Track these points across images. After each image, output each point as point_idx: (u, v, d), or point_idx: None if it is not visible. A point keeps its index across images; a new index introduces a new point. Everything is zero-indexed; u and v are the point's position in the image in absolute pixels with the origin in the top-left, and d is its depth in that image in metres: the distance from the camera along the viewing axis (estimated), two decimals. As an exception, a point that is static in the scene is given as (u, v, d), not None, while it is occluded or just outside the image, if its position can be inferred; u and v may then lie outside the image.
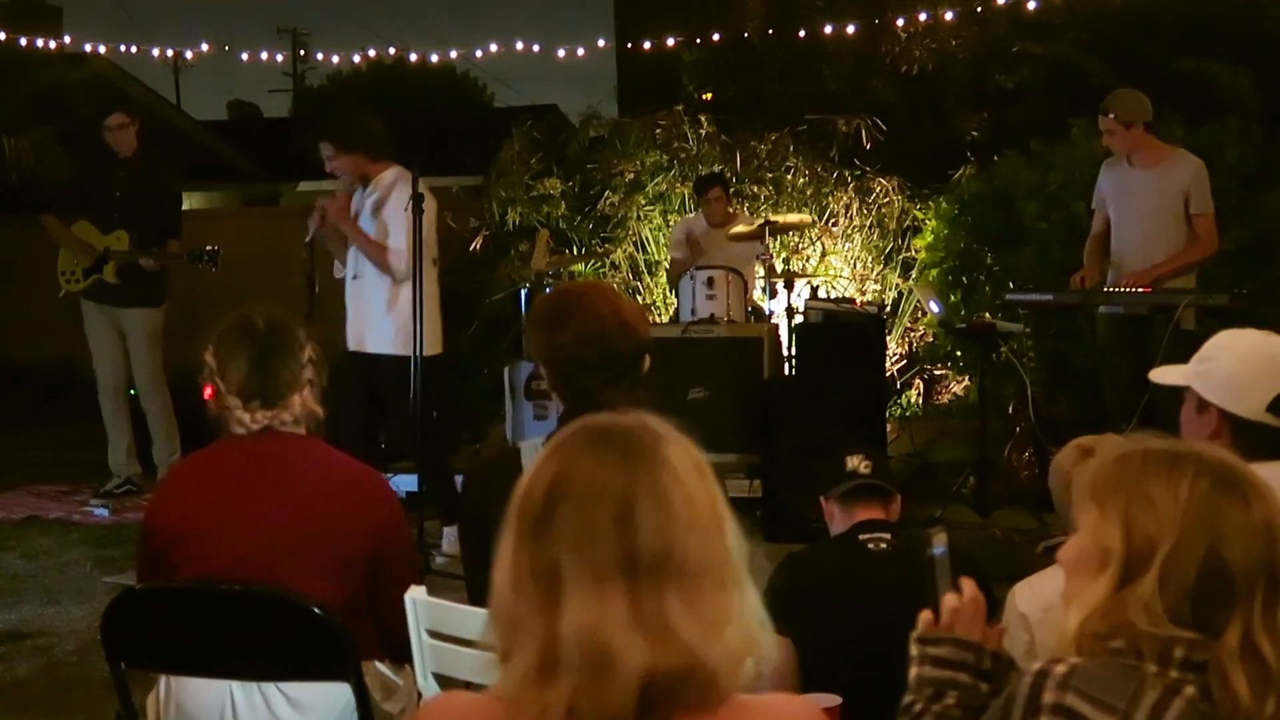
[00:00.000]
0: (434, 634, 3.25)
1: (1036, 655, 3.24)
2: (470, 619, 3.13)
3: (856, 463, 4.23)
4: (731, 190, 10.96)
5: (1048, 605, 3.25)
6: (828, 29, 13.28)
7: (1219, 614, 2.17)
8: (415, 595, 3.27)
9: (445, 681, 3.27)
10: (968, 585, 2.56)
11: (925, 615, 2.58)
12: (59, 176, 11.36)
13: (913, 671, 2.56)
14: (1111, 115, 7.81)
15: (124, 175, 9.13)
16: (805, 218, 11.24)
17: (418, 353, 7.09)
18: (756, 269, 10.05)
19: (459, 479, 7.21)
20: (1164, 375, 3.58)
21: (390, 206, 7.46)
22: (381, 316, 7.58)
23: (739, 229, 10.08)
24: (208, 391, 3.57)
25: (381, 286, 7.58)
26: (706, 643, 1.90)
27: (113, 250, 9.05)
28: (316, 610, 3.24)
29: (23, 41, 15.27)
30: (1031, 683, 2.22)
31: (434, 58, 17.57)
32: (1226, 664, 2.15)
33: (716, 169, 11.29)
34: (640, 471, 1.94)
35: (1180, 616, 2.17)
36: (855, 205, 11.72)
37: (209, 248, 8.96)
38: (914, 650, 2.57)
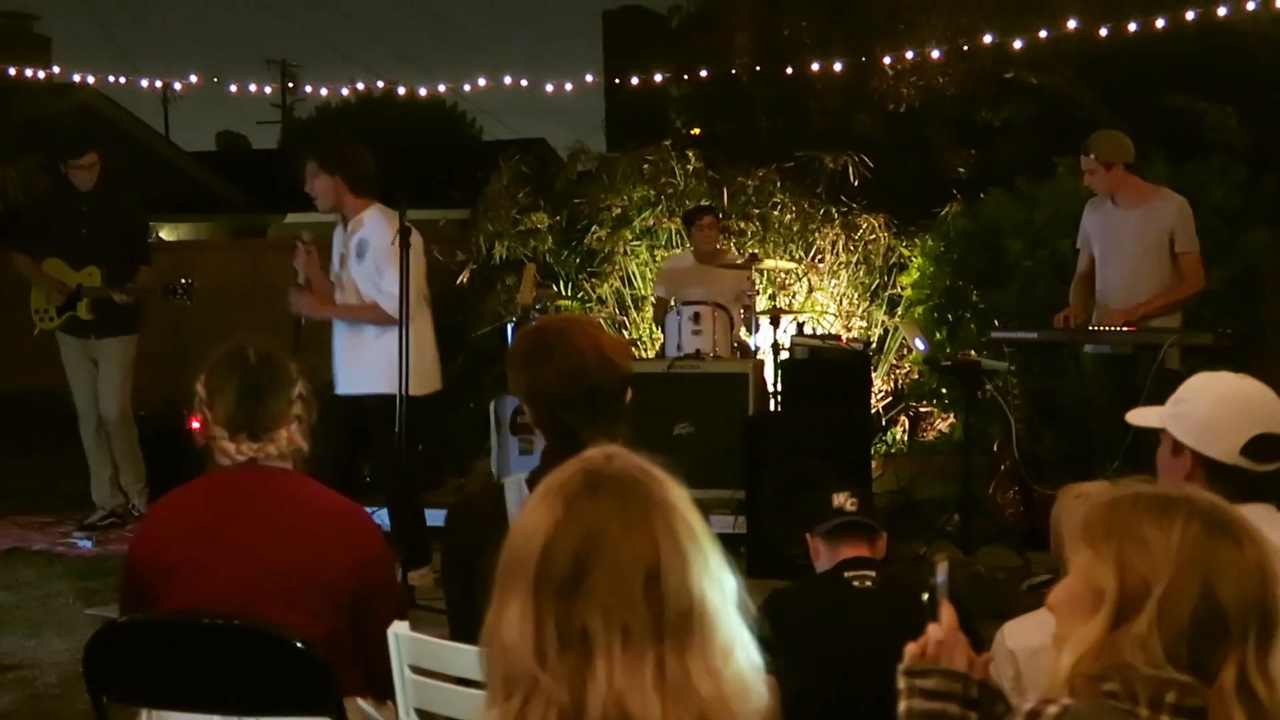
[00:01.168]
0: (417, 669, 3.24)
1: (1024, 689, 3.24)
2: (453, 655, 3.13)
3: (843, 500, 4.24)
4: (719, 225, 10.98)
5: (1037, 645, 3.26)
6: (815, 66, 13.35)
7: (1214, 656, 2.17)
8: (398, 630, 3.26)
9: (427, 718, 3.26)
10: (948, 614, 2.56)
11: (911, 648, 2.57)
12: (17, 212, 11.30)
13: (902, 705, 2.56)
14: (1092, 155, 7.85)
15: (87, 210, 9.10)
16: (791, 265, 11.26)
17: (403, 391, 7.01)
18: (740, 304, 10.06)
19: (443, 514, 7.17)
20: (1141, 417, 3.58)
21: (374, 247, 7.30)
22: (372, 355, 7.40)
23: (726, 262, 10.10)
24: (196, 423, 3.57)
25: (367, 328, 7.42)
26: (719, 696, 1.91)
27: (85, 287, 9.04)
28: (299, 645, 3.23)
29: (11, 71, 15.30)
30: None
31: (422, 91, 17.65)
32: (1223, 706, 2.15)
33: (704, 204, 11.31)
34: (660, 527, 1.93)
35: (1176, 658, 2.17)
36: (842, 242, 11.75)
37: (182, 281, 8.95)
38: (902, 683, 2.57)
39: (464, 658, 3.02)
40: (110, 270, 9.01)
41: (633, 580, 1.88)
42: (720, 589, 1.97)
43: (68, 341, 9.31)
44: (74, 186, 9.12)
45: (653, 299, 11.20)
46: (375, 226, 7.32)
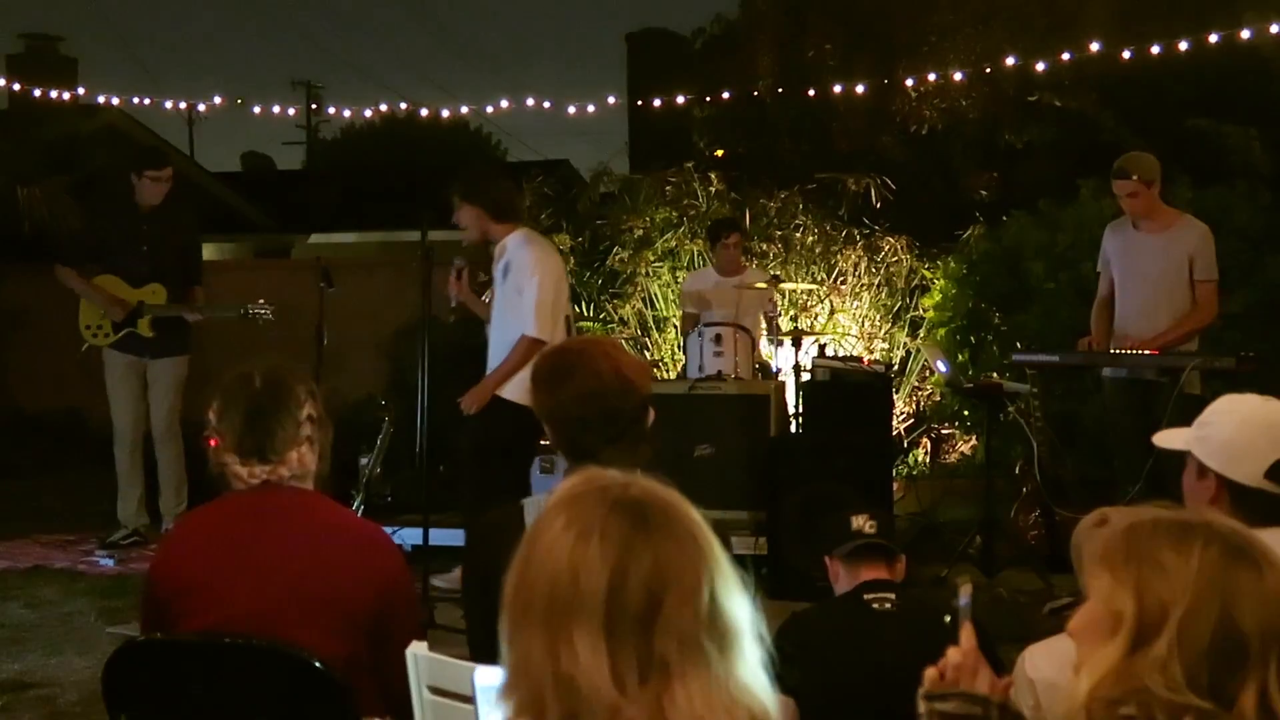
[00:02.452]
0: (435, 690, 3.24)
1: (1043, 719, 3.23)
2: (472, 675, 3.12)
3: (861, 523, 4.23)
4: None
5: (1059, 671, 3.25)
6: (838, 88, 13.36)
7: (1233, 680, 2.16)
8: (416, 650, 3.26)
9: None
10: (968, 637, 2.56)
11: (930, 672, 2.57)
12: (71, 228, 11.41)
13: None
14: (1135, 177, 7.77)
15: (148, 229, 9.15)
16: (813, 287, 11.27)
17: (422, 402, 7.04)
18: (762, 325, 10.06)
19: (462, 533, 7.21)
20: (1167, 440, 3.56)
21: (514, 269, 7.53)
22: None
23: (748, 281, 10.10)
24: (211, 443, 3.59)
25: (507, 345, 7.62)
26: (763, 705, 1.96)
27: (147, 304, 9.08)
28: (318, 665, 3.24)
29: (37, 92, 15.39)
30: None
31: (445, 112, 17.69)
32: None
33: (730, 218, 11.29)
34: (708, 550, 1.97)
35: (1195, 682, 2.16)
36: (864, 264, 11.75)
37: (261, 301, 9.19)
38: (922, 707, 2.57)
39: (484, 678, 3.02)
40: (172, 289, 9.07)
41: (699, 606, 1.93)
42: (743, 603, 2.01)
43: (115, 358, 9.30)
44: (135, 205, 9.18)
45: (675, 319, 11.20)
46: (517, 250, 7.58)
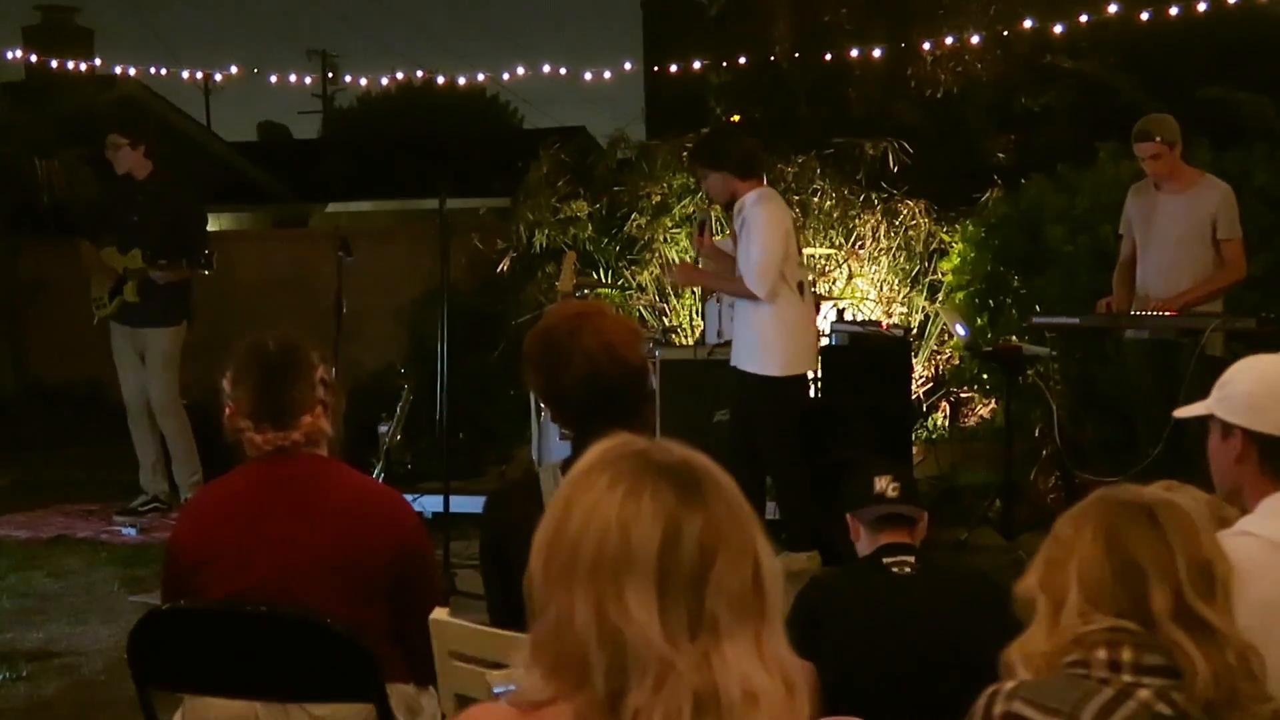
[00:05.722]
0: (457, 655, 3.25)
1: None
2: (494, 641, 3.14)
3: (884, 485, 4.22)
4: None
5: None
6: (854, 52, 13.31)
7: (1143, 596, 2.41)
8: (438, 616, 3.28)
9: (468, 703, 3.27)
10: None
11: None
12: (87, 199, 11.47)
13: None
14: (1158, 139, 7.76)
15: (141, 199, 9.27)
16: (831, 251, 11.25)
17: (442, 370, 7.06)
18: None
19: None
20: (1187, 411, 3.52)
21: (748, 224, 7.55)
22: (744, 334, 7.72)
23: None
24: (227, 412, 3.61)
25: (744, 306, 7.71)
26: (796, 665, 1.98)
27: (129, 269, 9.16)
28: (341, 631, 3.25)
29: (54, 64, 15.40)
30: (985, 701, 2.45)
31: (462, 80, 17.65)
32: (1167, 631, 2.37)
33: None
34: (749, 514, 2.00)
35: (1117, 608, 2.42)
36: (882, 228, 11.71)
37: (205, 252, 9.05)
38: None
39: (504, 643, 3.03)
40: (153, 253, 9.09)
41: (747, 567, 1.94)
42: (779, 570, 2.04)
43: (115, 330, 9.43)
44: (133, 177, 9.30)
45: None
46: (752, 209, 7.58)
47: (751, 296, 7.52)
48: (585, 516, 1.96)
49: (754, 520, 2.00)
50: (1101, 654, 2.42)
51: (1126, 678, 2.38)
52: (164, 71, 16.29)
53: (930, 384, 11.67)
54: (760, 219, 7.47)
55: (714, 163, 7.69)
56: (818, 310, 9.65)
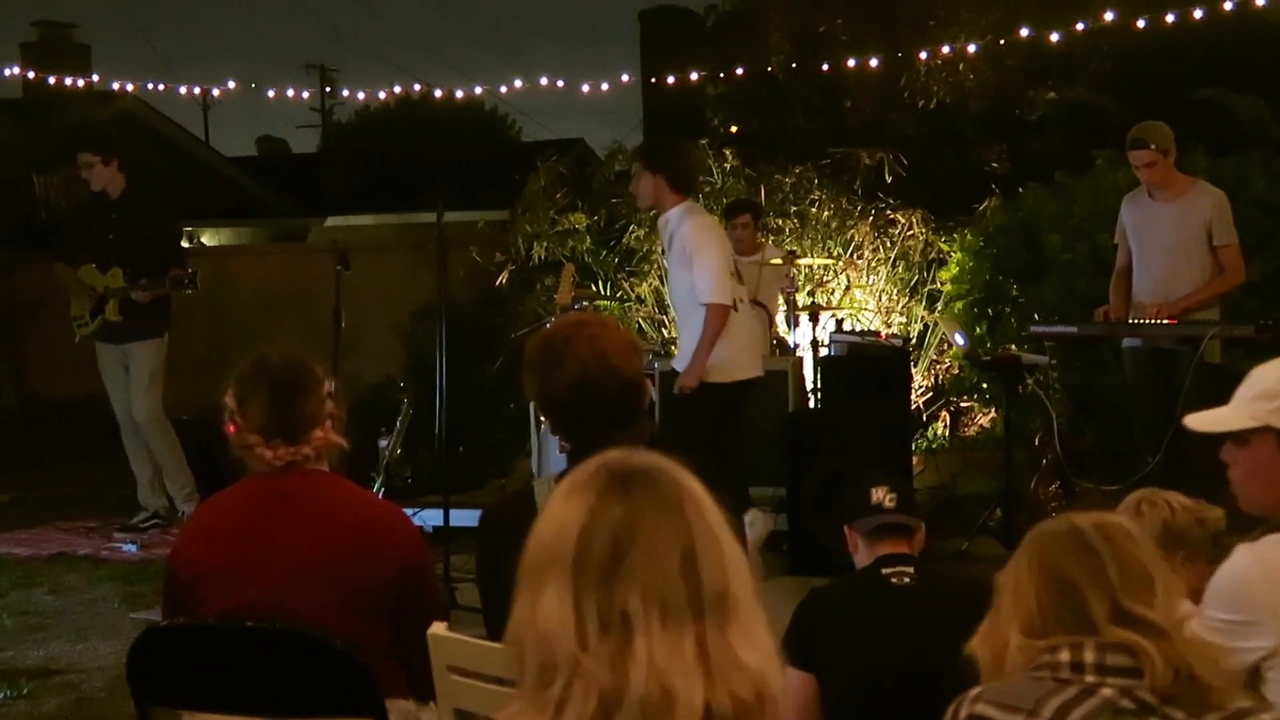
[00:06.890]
0: (456, 670, 3.25)
1: None
2: (492, 655, 3.14)
3: (881, 495, 4.22)
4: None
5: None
6: (850, 63, 13.33)
7: (1082, 608, 2.51)
8: (437, 631, 3.27)
9: (467, 718, 3.27)
10: None
11: None
12: (57, 220, 11.45)
13: None
14: (1153, 146, 7.76)
15: (115, 216, 9.25)
16: (829, 261, 11.25)
17: (441, 384, 7.06)
18: (780, 301, 10.05)
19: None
20: (1217, 422, 3.30)
21: (690, 240, 7.56)
22: (688, 337, 7.73)
23: (764, 258, 10.08)
24: (231, 429, 3.60)
25: (687, 311, 7.74)
26: (768, 671, 1.94)
27: (110, 289, 9.16)
28: (341, 648, 3.25)
29: (52, 80, 15.42)
30: (952, 709, 2.53)
31: (460, 93, 17.72)
32: (1112, 634, 2.46)
33: (743, 200, 11.27)
34: (692, 512, 1.97)
35: (1063, 627, 2.52)
36: (879, 238, 11.72)
37: (189, 271, 9.02)
38: None
39: (502, 658, 3.03)
40: (134, 272, 9.09)
41: (670, 559, 1.91)
42: (748, 580, 1.99)
43: (102, 348, 9.43)
44: (107, 194, 9.27)
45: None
46: (682, 219, 7.63)
47: (717, 317, 7.50)
48: (538, 526, 2.00)
49: (697, 520, 1.96)
50: (1065, 656, 2.48)
51: (1090, 678, 2.45)
52: (162, 87, 16.32)
53: (930, 393, 11.68)
54: (700, 232, 7.55)
55: (655, 164, 7.69)
56: (815, 320, 9.66)
